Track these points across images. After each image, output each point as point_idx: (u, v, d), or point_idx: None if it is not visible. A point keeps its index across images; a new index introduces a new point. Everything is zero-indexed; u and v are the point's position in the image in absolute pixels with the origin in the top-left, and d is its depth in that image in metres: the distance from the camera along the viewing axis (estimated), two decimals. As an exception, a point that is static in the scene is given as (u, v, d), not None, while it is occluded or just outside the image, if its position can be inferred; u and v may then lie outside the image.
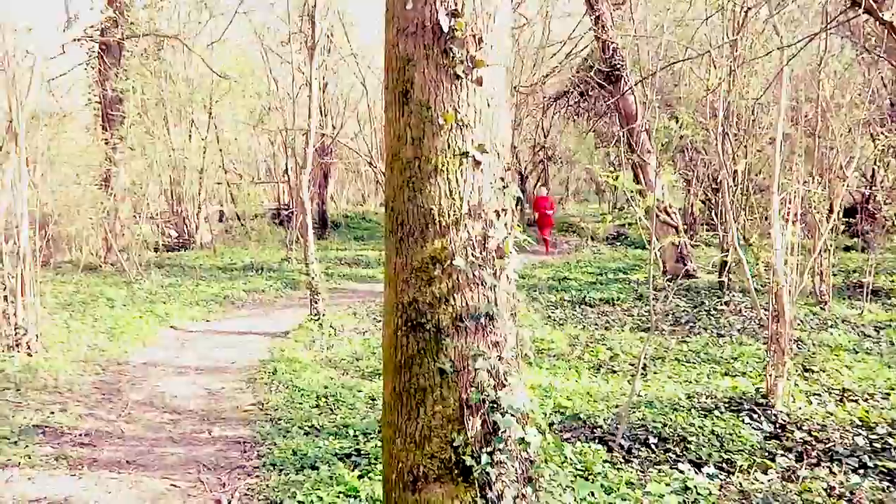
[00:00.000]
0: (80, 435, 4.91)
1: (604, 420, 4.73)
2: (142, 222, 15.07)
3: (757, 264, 7.61)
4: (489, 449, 2.18)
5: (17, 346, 6.66)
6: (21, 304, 6.74)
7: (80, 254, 14.82)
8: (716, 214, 8.51)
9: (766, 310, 5.06)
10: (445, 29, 2.19)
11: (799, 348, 6.42)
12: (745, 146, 7.28)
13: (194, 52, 15.57)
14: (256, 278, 12.29)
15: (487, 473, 2.14)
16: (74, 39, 11.96)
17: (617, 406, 5.12)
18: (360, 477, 3.97)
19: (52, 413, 5.28)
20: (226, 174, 18.81)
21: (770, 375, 4.83)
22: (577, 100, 16.62)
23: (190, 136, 17.25)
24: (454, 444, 2.16)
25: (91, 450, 4.65)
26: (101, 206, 13.62)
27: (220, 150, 18.12)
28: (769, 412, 4.70)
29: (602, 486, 3.61)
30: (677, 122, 8.05)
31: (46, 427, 4.98)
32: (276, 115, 17.58)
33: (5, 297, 6.69)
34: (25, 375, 6.08)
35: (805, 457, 4.04)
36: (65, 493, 3.94)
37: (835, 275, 9.64)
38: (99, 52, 15.34)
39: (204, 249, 16.38)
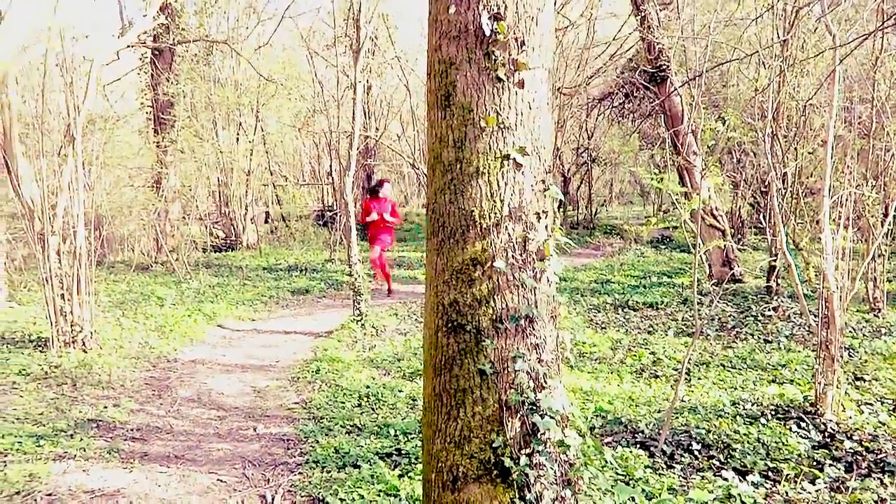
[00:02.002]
0: (132, 429, 5.07)
1: (646, 425, 4.68)
2: (191, 223, 15.44)
3: (806, 269, 7.42)
4: (528, 450, 2.18)
5: (73, 342, 6.91)
6: (77, 302, 6.98)
7: (132, 253, 15.30)
8: (764, 218, 8.31)
9: (815, 316, 4.93)
10: (488, 32, 2.21)
11: (850, 356, 6.24)
12: (796, 148, 7.11)
13: (242, 57, 15.93)
14: (300, 279, 12.49)
15: (526, 475, 2.15)
16: (128, 46, 12.35)
17: (659, 411, 5.06)
18: (400, 476, 4.01)
19: (106, 408, 5.46)
20: (271, 176, 19.16)
21: (819, 383, 4.71)
22: (621, 101, 16.45)
23: (237, 138, 17.62)
24: (493, 445, 2.18)
25: (142, 444, 4.79)
26: (152, 208, 14.03)
27: (267, 153, 18.47)
28: (818, 421, 4.58)
29: (643, 491, 3.58)
30: (724, 123, 7.90)
31: (100, 421, 5.16)
32: (320, 118, 17.85)
33: (62, 296, 6.94)
34: (81, 371, 6.31)
35: (855, 467, 3.93)
36: (117, 485, 4.08)
37: (889, 281, 9.33)
38: (151, 58, 15.82)
39: (250, 250, 16.71)
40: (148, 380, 6.42)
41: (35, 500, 3.79)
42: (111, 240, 15.41)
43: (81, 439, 4.72)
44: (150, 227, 14.48)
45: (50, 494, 3.89)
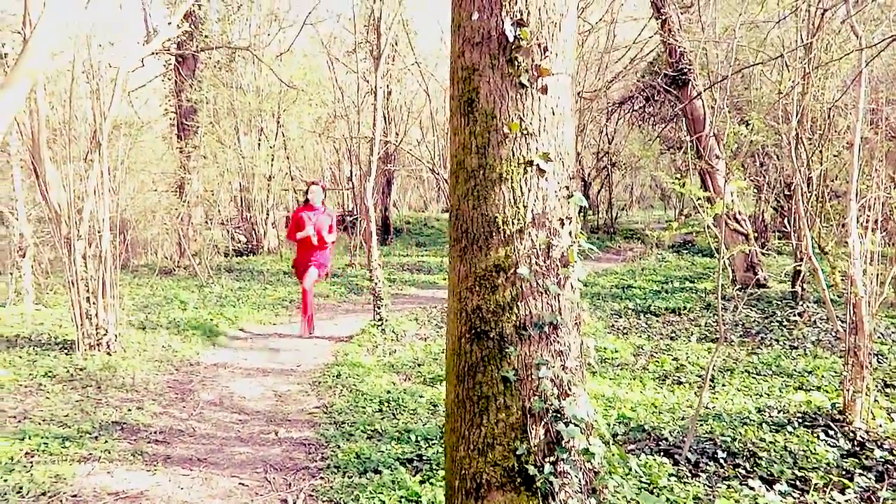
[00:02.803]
0: (155, 432, 5.12)
1: (669, 432, 4.63)
2: (213, 228, 15.60)
3: (833, 274, 7.30)
4: (552, 458, 2.16)
5: (98, 345, 7.00)
6: (102, 305, 7.07)
7: (156, 257, 15.48)
8: (788, 222, 8.20)
9: (842, 321, 4.85)
10: (511, 38, 2.20)
11: (879, 362, 6.13)
12: (821, 151, 7.00)
13: (264, 63, 16.08)
14: (321, 283, 12.55)
15: (550, 483, 2.13)
16: (153, 53, 12.52)
17: (683, 418, 5.01)
18: (421, 482, 4.00)
19: (130, 410, 5.52)
20: (292, 181, 19.29)
21: (847, 390, 4.63)
22: (641, 105, 16.34)
23: (259, 144, 17.76)
24: (517, 453, 2.16)
25: (165, 447, 4.83)
26: (176, 212, 14.19)
27: (288, 158, 18.60)
28: (846, 429, 4.50)
29: (668, 500, 3.54)
30: (748, 126, 7.82)
31: (124, 424, 5.21)
32: (341, 123, 17.95)
33: (88, 299, 7.03)
34: (105, 373, 6.38)
35: (886, 477, 3.85)
36: (141, 487, 4.11)
37: (918, 286, 9.16)
38: (175, 65, 16.03)
39: (271, 254, 16.83)
40: (171, 383, 6.48)
41: (61, 502, 3.83)
42: (135, 244, 15.61)
43: (106, 441, 4.77)
44: (173, 232, 14.65)
45: (75, 496, 3.93)
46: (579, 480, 2.19)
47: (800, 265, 8.52)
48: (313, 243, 8.13)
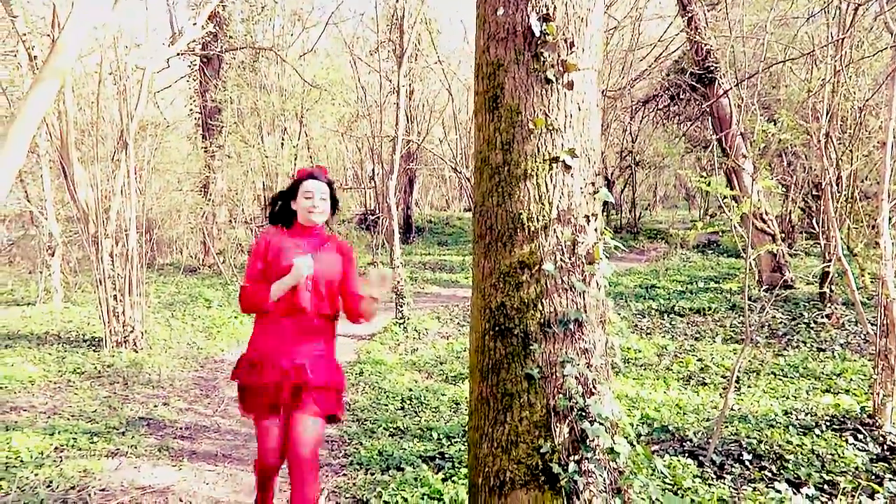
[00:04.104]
0: (181, 428, 5.17)
1: (694, 433, 4.58)
2: (237, 226, 15.74)
3: (863, 275, 7.17)
4: (577, 457, 2.15)
5: (125, 342, 7.09)
6: (129, 303, 7.16)
7: (181, 256, 15.66)
8: (817, 222, 8.07)
9: (872, 324, 4.76)
10: (537, 33, 2.19)
11: (910, 365, 5.99)
12: (851, 150, 6.88)
13: (287, 63, 16.19)
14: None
15: (575, 482, 2.11)
16: (178, 54, 12.66)
17: (708, 419, 4.94)
18: (443, 480, 4.00)
19: (156, 406, 5.58)
20: (315, 180, 19.36)
21: (877, 394, 4.54)
22: (667, 103, 16.17)
23: (282, 143, 17.87)
24: (541, 451, 2.14)
25: (190, 442, 4.88)
26: (200, 211, 14.34)
27: (310, 157, 18.70)
28: (876, 433, 4.41)
29: (692, 501, 3.49)
30: (776, 125, 7.71)
31: (151, 419, 5.28)
32: (363, 122, 18.02)
33: (115, 297, 7.13)
34: (132, 370, 6.47)
35: (917, 481, 3.76)
36: (167, 482, 4.16)
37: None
38: (200, 65, 16.20)
39: (294, 253, 16.92)
40: (196, 379, 6.54)
41: (89, 495, 3.88)
42: (161, 243, 15.81)
43: (133, 437, 4.83)
44: (197, 231, 14.81)
45: (103, 490, 3.98)
46: (604, 480, 2.17)
47: (828, 266, 8.38)
48: (302, 312, 2.99)
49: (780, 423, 4.70)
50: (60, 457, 4.39)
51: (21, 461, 4.29)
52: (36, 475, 4.07)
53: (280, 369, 2.89)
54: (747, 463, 4.09)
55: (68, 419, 5.12)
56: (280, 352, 2.92)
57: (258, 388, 2.94)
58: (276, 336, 2.94)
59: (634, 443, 2.34)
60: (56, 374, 6.28)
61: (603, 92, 14.06)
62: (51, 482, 4.00)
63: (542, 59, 2.20)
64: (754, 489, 3.74)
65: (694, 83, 10.60)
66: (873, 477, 3.86)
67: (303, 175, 3.14)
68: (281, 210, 3.18)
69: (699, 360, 6.72)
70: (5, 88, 10.29)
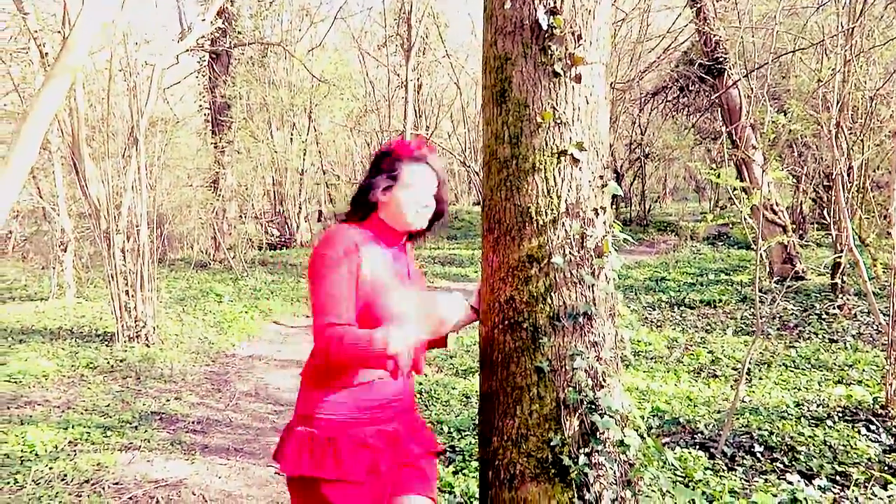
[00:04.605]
0: (193, 422, 5.22)
1: (705, 425, 4.57)
2: (247, 222, 15.81)
3: (874, 266, 7.12)
4: (587, 450, 2.15)
5: (137, 337, 7.16)
6: (140, 298, 7.22)
7: (192, 251, 15.74)
8: (828, 213, 8.01)
9: (885, 314, 4.73)
10: (544, 27, 2.18)
11: (923, 356, 5.96)
12: (862, 140, 6.82)
13: (296, 58, 16.21)
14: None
15: (585, 474, 2.12)
16: (187, 50, 12.69)
17: (719, 412, 4.94)
18: (454, 473, 4.02)
19: (168, 401, 5.63)
20: (324, 175, 19.43)
21: (890, 385, 4.52)
22: (676, 95, 16.08)
23: (291, 138, 17.93)
24: (551, 444, 2.15)
25: (202, 436, 4.93)
26: (210, 207, 14.41)
27: (319, 152, 18.76)
28: (889, 424, 4.39)
29: (703, 493, 3.50)
30: (786, 115, 7.65)
31: (163, 414, 5.33)
32: (371, 117, 18.03)
33: (127, 292, 7.19)
34: (144, 365, 6.52)
35: (930, 473, 3.75)
36: (180, 475, 4.20)
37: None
38: (209, 61, 16.24)
39: (304, 248, 17.00)
40: (207, 374, 6.59)
41: (103, 489, 3.93)
42: (172, 238, 15.90)
43: (146, 431, 4.88)
44: (208, 226, 14.88)
45: (117, 483, 4.03)
46: (614, 472, 2.18)
47: (839, 257, 8.31)
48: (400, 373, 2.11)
49: (792, 415, 4.69)
50: (74, 451, 4.44)
51: (36, 455, 4.34)
52: (50, 469, 4.13)
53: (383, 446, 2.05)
54: (759, 455, 4.09)
55: (82, 413, 5.18)
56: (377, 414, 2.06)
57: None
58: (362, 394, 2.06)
59: (645, 435, 2.35)
60: (69, 368, 6.34)
61: (612, 84, 13.99)
62: (65, 476, 4.05)
63: (550, 52, 2.20)
64: (766, 481, 3.74)
65: (703, 74, 10.53)
66: (886, 468, 3.84)
67: (411, 152, 2.21)
68: (361, 198, 2.18)
69: (710, 352, 6.70)
70: (17, 85, 10.36)
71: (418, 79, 17.72)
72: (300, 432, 1.99)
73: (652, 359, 6.62)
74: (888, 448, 4.12)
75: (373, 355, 1.92)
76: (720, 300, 9.02)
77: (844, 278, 8.46)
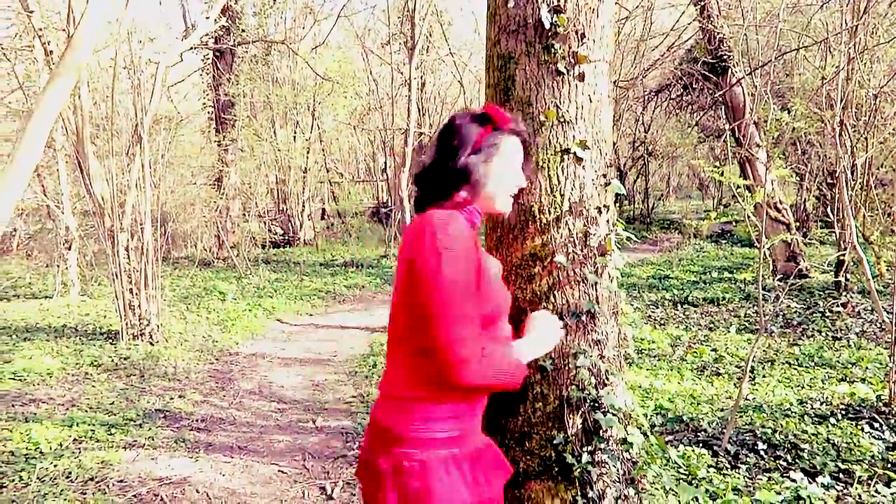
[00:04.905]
0: (197, 420, 5.23)
1: (708, 423, 4.57)
2: (250, 220, 15.83)
3: (878, 263, 7.10)
4: (590, 448, 2.16)
5: (141, 335, 7.17)
6: (144, 296, 7.24)
7: (195, 249, 15.77)
8: (831, 211, 8.00)
9: (888, 312, 4.73)
10: (547, 25, 2.19)
11: (927, 355, 5.95)
12: (866, 138, 6.80)
13: (299, 56, 16.21)
14: (356, 274, 12.64)
15: (588, 472, 2.13)
16: (191, 48, 12.71)
17: (722, 409, 4.94)
18: (457, 471, 4.02)
19: (172, 399, 5.65)
20: (327, 173, 19.45)
21: (893, 382, 4.51)
22: (679, 93, 16.05)
23: (294, 137, 17.94)
24: (554, 442, 2.16)
25: (206, 434, 4.94)
26: (214, 205, 14.43)
27: (323, 151, 18.77)
28: (892, 421, 4.39)
29: (707, 491, 3.50)
30: (789, 113, 7.64)
31: (167, 412, 5.34)
32: (375, 115, 18.02)
33: (131, 290, 7.21)
34: (148, 363, 6.54)
35: (934, 471, 3.75)
36: (184, 473, 4.22)
37: (969, 276, 8.86)
38: (213, 59, 16.26)
39: (307, 246, 17.02)
40: (211, 372, 6.61)
41: (108, 486, 3.95)
42: (175, 236, 15.93)
43: (150, 429, 4.90)
44: (211, 224, 14.91)
45: (121, 481, 4.05)
46: (617, 470, 2.18)
47: (843, 255, 8.30)
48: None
49: (796, 413, 4.69)
50: (79, 448, 4.46)
51: (41, 452, 4.36)
52: (55, 466, 4.14)
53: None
54: (762, 452, 4.09)
55: (86, 411, 5.20)
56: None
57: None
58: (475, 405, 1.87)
59: (648, 433, 2.35)
60: (74, 366, 6.36)
61: (615, 82, 13.96)
62: (70, 473, 4.07)
63: (553, 51, 2.20)
64: (769, 479, 3.74)
65: (707, 72, 10.52)
66: (889, 465, 3.84)
67: (509, 122, 1.87)
68: (449, 178, 1.81)
69: (713, 350, 6.70)
70: (22, 84, 10.39)
71: (422, 77, 17.70)
72: (443, 456, 1.71)
73: (655, 357, 6.62)
74: (892, 445, 4.12)
75: (512, 383, 1.77)
76: (723, 298, 9.01)
77: (848, 276, 8.44)
